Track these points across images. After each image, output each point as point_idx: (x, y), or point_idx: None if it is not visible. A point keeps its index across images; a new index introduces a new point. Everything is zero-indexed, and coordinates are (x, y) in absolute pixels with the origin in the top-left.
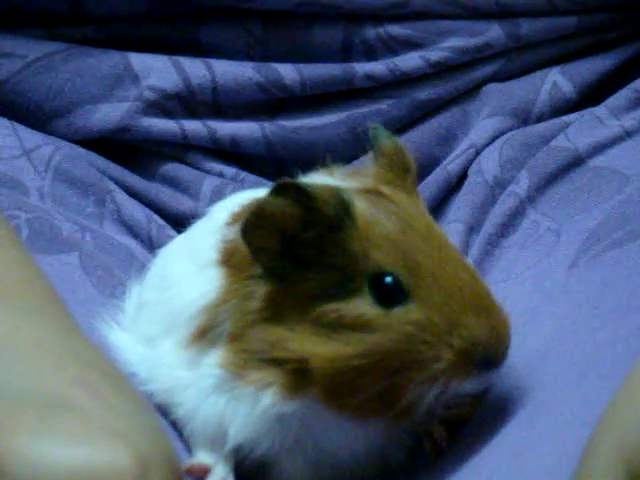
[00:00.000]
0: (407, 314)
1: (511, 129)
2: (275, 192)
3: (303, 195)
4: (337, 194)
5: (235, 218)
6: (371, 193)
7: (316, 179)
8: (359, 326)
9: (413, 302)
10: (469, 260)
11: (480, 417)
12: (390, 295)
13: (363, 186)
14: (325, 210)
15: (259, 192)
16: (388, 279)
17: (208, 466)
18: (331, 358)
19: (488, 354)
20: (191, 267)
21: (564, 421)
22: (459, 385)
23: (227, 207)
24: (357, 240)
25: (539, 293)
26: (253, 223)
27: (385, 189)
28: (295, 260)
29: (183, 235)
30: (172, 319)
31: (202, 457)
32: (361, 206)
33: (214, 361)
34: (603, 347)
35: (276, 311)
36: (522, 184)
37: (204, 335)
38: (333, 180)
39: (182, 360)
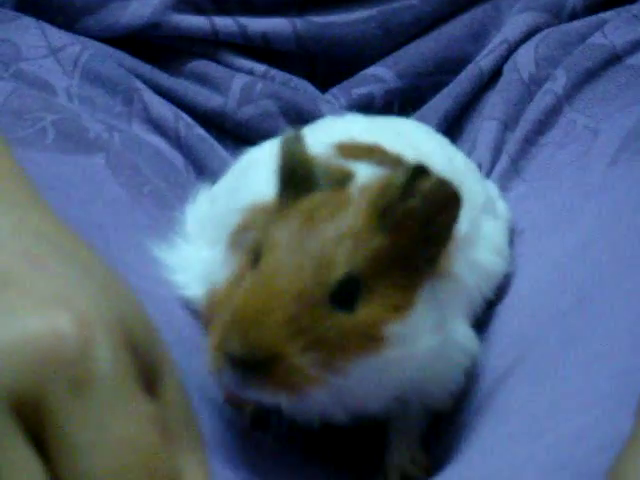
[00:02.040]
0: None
1: (544, 24)
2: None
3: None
4: (306, 170)
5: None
6: (338, 195)
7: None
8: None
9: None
10: None
11: (523, 310)
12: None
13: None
14: (284, 169)
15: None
16: (258, 246)
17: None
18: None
19: (233, 351)
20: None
21: (613, 313)
22: (218, 373)
23: (317, 131)
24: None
25: (578, 190)
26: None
27: (358, 202)
28: None
29: (268, 143)
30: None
31: None
32: (311, 198)
33: None
34: None
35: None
36: (559, 82)
37: None
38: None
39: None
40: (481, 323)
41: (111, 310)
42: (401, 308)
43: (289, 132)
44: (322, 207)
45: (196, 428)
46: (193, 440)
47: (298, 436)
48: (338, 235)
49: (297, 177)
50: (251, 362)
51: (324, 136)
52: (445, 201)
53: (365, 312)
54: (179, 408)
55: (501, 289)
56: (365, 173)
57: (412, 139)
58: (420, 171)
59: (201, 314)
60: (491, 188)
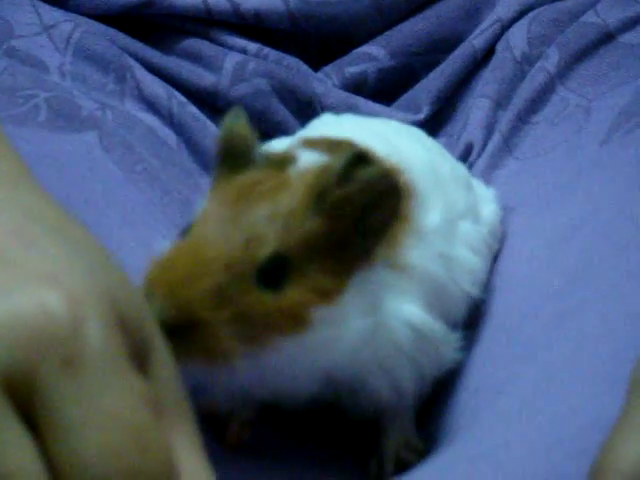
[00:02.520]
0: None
1: (537, 4)
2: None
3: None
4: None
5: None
6: (278, 179)
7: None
8: None
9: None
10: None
11: (515, 289)
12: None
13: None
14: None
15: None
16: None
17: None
18: None
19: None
20: None
21: (605, 291)
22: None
23: (315, 130)
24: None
25: (570, 169)
26: None
27: (296, 185)
28: None
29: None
30: None
31: None
32: (248, 174)
33: None
34: None
35: None
36: (551, 60)
37: None
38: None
39: None
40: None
41: (101, 287)
42: (330, 292)
43: (234, 110)
44: (258, 185)
45: (187, 405)
46: (184, 417)
47: (288, 425)
48: (271, 213)
49: (235, 152)
50: (171, 325)
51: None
52: (385, 192)
53: (291, 293)
54: (169, 384)
55: (493, 268)
56: (308, 159)
57: (396, 141)
58: (360, 159)
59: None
60: (482, 193)
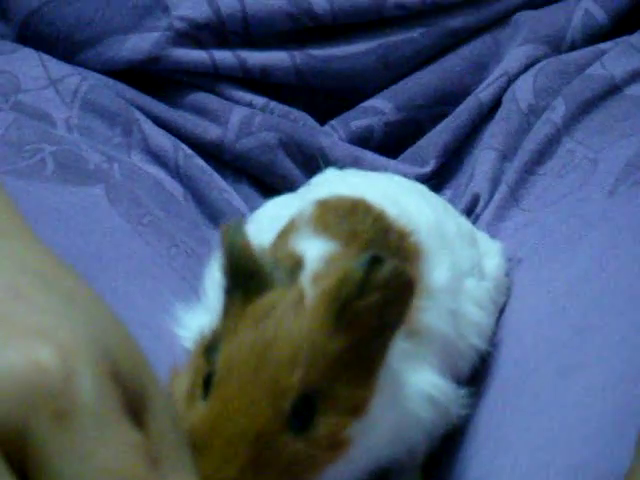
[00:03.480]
0: (199, 409)
1: (544, 57)
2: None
3: (228, 241)
4: (252, 267)
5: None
6: (297, 295)
7: (303, 240)
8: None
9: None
10: None
11: (521, 341)
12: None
13: (311, 279)
14: (228, 267)
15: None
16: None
17: None
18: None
19: None
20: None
21: (613, 343)
22: None
23: (320, 187)
24: (230, 322)
25: (577, 220)
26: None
27: (313, 300)
28: None
29: (273, 200)
30: None
31: None
32: (265, 300)
33: None
34: None
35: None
36: (558, 111)
37: None
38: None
39: None
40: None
41: (95, 340)
42: (361, 405)
43: (227, 224)
44: (272, 316)
45: (185, 454)
46: (182, 466)
47: None
48: (291, 354)
49: (244, 273)
50: None
51: (314, 192)
52: (402, 288)
53: (324, 424)
54: (167, 434)
55: (500, 320)
56: (314, 255)
57: (403, 199)
58: (376, 261)
59: None
60: (487, 247)
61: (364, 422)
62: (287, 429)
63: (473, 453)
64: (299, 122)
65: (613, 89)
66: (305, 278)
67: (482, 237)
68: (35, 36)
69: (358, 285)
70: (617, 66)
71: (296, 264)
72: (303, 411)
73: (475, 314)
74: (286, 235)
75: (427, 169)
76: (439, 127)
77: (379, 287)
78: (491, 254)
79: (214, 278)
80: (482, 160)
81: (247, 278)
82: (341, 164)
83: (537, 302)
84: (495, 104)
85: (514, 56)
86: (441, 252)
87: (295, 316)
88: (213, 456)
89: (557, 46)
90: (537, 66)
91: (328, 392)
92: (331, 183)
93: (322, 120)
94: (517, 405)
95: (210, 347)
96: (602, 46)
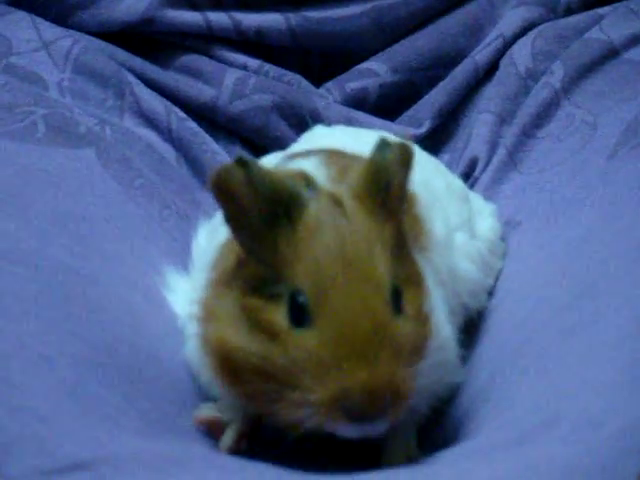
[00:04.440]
0: (302, 339)
1: (539, 19)
2: (235, 163)
3: (251, 174)
4: (286, 189)
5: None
6: (333, 200)
7: (302, 164)
8: (267, 330)
9: (312, 329)
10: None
11: (523, 303)
12: (299, 315)
13: (334, 188)
14: (262, 199)
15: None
16: (302, 299)
17: (222, 421)
18: (227, 343)
19: (356, 407)
20: None
21: (616, 303)
22: (331, 425)
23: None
24: (290, 244)
25: (577, 183)
26: (215, 186)
27: (351, 202)
28: (243, 240)
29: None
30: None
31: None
32: (311, 211)
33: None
34: None
35: (232, 278)
36: (556, 75)
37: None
38: (315, 170)
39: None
40: (469, 328)
41: None
42: (421, 282)
43: (222, 168)
44: (329, 227)
45: None
46: None
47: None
48: (370, 253)
49: (284, 200)
50: (381, 408)
51: (303, 145)
52: (409, 159)
53: (410, 303)
54: None
55: (499, 282)
56: (321, 174)
57: None
58: (384, 144)
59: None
60: (480, 208)
61: (428, 299)
62: (393, 316)
63: (472, 413)
64: (293, 84)
65: (612, 53)
66: (327, 188)
67: (476, 198)
68: None
69: (387, 167)
70: (616, 30)
71: (310, 180)
72: (395, 298)
73: (468, 271)
74: (285, 164)
75: (422, 130)
76: (435, 90)
77: (397, 164)
78: (484, 215)
79: (201, 244)
80: (479, 123)
81: (287, 202)
82: (336, 125)
83: (537, 264)
84: (491, 67)
85: (509, 18)
86: (433, 207)
87: (349, 219)
88: (364, 361)
89: (552, 8)
90: (535, 30)
91: (400, 275)
92: (319, 138)
93: (317, 83)
94: (519, 366)
95: (260, 281)
96: (601, 11)
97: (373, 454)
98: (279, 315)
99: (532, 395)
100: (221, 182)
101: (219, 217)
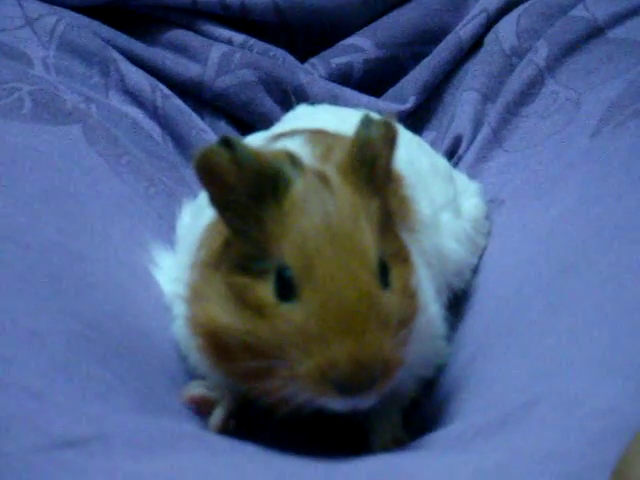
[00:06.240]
0: (289, 312)
1: None
2: (220, 143)
3: (236, 154)
4: (272, 166)
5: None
6: (319, 177)
7: (286, 143)
8: (254, 306)
9: (299, 302)
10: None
11: (506, 281)
12: (285, 289)
13: (319, 166)
14: (248, 177)
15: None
16: (288, 273)
17: (211, 399)
18: (214, 322)
19: (344, 378)
20: None
21: (598, 281)
22: (319, 399)
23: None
24: (276, 221)
25: (561, 161)
26: (200, 167)
27: (337, 178)
28: (229, 220)
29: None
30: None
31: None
32: (297, 188)
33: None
34: (633, 212)
35: (218, 259)
36: (540, 53)
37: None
38: (300, 149)
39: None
40: (452, 306)
41: None
42: (408, 257)
43: (206, 148)
44: (315, 203)
45: None
46: None
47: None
48: (357, 227)
49: (270, 178)
50: (370, 380)
51: (286, 125)
52: (393, 136)
53: (397, 277)
54: None
55: (483, 260)
56: (306, 152)
57: None
58: (368, 121)
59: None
60: (465, 187)
61: (416, 277)
62: (380, 289)
63: (454, 394)
64: (279, 59)
65: (596, 32)
66: (312, 165)
67: (460, 177)
68: None
69: (372, 143)
70: (600, 8)
71: (295, 159)
72: (383, 272)
73: (455, 252)
74: (269, 145)
75: (407, 106)
76: (419, 66)
77: (381, 140)
78: (469, 193)
79: (185, 223)
80: (464, 101)
81: (273, 179)
82: (321, 101)
83: (521, 242)
84: (475, 42)
85: None
86: (418, 187)
87: (335, 195)
88: (351, 332)
89: None
90: (520, 7)
91: (387, 251)
92: (302, 118)
93: (302, 58)
94: (501, 345)
95: (247, 259)
96: None
97: (360, 438)
98: (266, 290)
99: (512, 375)
100: (206, 163)
101: (204, 197)
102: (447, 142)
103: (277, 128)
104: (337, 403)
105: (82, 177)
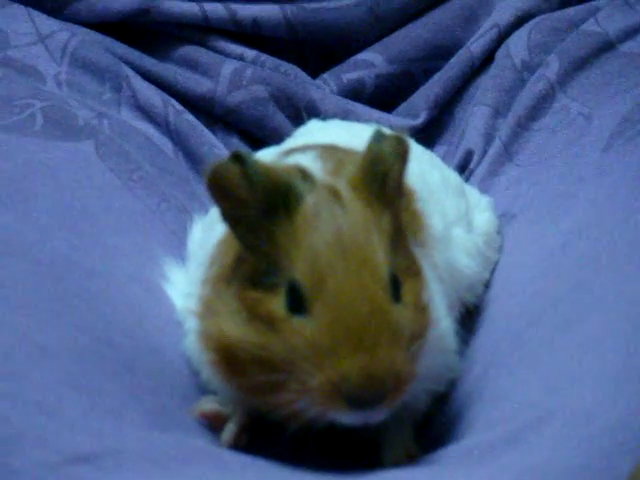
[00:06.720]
0: (300, 326)
1: (535, 8)
2: (231, 158)
3: (248, 169)
4: (283, 181)
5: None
6: (330, 192)
7: (298, 158)
8: (265, 320)
9: (310, 316)
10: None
11: (517, 297)
12: (297, 303)
13: (330, 181)
14: (259, 192)
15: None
16: (299, 286)
17: (223, 414)
18: (226, 336)
19: (356, 392)
20: None
21: (610, 297)
22: (331, 413)
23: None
24: (288, 236)
25: (572, 175)
26: (212, 183)
27: (348, 193)
28: (241, 235)
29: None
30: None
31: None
32: (309, 202)
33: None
34: None
35: (230, 274)
36: (552, 68)
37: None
38: (311, 164)
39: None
40: (465, 321)
41: None
42: (419, 271)
43: (216, 163)
44: (327, 218)
45: None
46: None
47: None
48: (368, 241)
49: (282, 193)
50: (381, 394)
51: (297, 140)
52: (405, 150)
53: (409, 292)
54: None
55: (494, 275)
56: (317, 167)
57: None
58: (380, 135)
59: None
60: (476, 201)
61: (427, 291)
62: (392, 303)
63: (466, 408)
64: (290, 75)
65: (607, 46)
66: (323, 180)
67: (472, 191)
68: None
69: (383, 157)
70: (611, 23)
71: (306, 174)
72: (394, 286)
73: (467, 267)
74: (281, 160)
75: (418, 121)
76: (430, 80)
77: (393, 155)
78: (481, 208)
79: (196, 239)
80: (475, 116)
81: (284, 194)
82: (332, 116)
83: (532, 257)
84: (486, 57)
85: (504, 8)
86: (430, 202)
87: (347, 209)
88: (362, 345)
89: None
90: (531, 22)
91: (398, 265)
92: (314, 133)
93: (313, 74)
94: (513, 360)
95: (259, 274)
96: (596, 3)
97: (372, 453)
98: (277, 304)
99: (524, 390)
100: (217, 178)
101: (215, 212)
102: (458, 156)
103: (288, 143)
104: (348, 417)
105: (94, 192)
